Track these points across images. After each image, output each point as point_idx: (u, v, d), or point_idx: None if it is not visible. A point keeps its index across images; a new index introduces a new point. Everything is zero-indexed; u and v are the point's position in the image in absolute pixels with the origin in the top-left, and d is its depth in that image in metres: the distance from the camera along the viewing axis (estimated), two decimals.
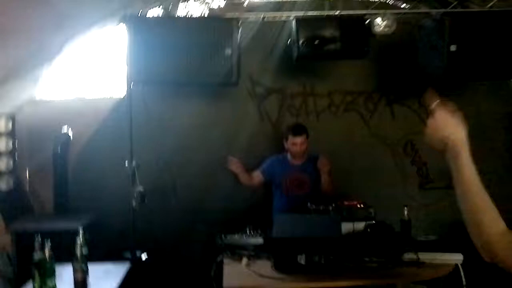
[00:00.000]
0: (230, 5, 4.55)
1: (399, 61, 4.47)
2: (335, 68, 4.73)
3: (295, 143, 4.01)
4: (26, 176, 4.59)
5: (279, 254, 3.02)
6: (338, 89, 4.87)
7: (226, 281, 2.89)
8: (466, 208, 1.30)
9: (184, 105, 4.68)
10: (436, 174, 4.88)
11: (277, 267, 3.00)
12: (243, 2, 4.55)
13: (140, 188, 3.59)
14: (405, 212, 3.49)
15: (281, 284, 2.89)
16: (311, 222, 3.18)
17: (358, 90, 4.88)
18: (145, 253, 3.83)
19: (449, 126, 1.34)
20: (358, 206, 3.71)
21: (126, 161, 3.71)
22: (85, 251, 2.87)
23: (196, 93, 4.58)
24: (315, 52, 3.75)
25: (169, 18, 4.00)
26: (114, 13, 4.24)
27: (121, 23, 3.87)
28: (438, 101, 1.38)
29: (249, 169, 4.37)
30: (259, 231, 3.50)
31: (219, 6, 4.65)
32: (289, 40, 3.96)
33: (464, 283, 2.99)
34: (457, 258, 3.04)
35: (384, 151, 4.90)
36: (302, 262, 2.97)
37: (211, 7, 4.67)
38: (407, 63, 4.24)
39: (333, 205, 3.60)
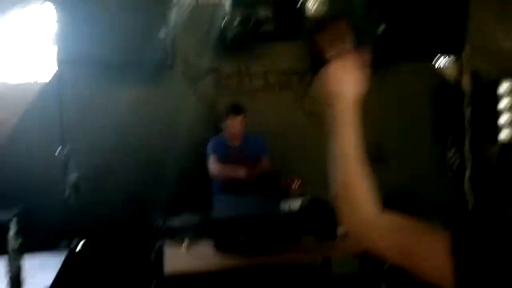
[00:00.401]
0: None
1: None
2: (270, 48, 4.76)
3: (234, 123, 4.02)
4: None
5: (220, 234, 3.06)
6: (273, 69, 4.91)
7: (167, 266, 2.90)
8: (338, 179, 1.08)
9: (117, 88, 4.52)
10: (370, 148, 5.10)
11: (219, 247, 3.05)
12: None
13: (74, 176, 3.48)
14: None
15: (222, 264, 2.94)
16: (250, 203, 3.25)
17: (293, 69, 4.95)
18: (82, 242, 3.73)
19: (344, 82, 1.11)
20: (295, 184, 3.85)
21: (58, 149, 3.56)
22: (18, 243, 2.78)
23: (130, 75, 4.44)
24: (250, 33, 3.76)
25: None
26: None
27: (47, 1, 3.65)
28: (338, 48, 1.13)
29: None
30: (198, 213, 3.52)
31: None
32: (224, 21, 3.94)
33: None
34: None
35: (319, 129, 5.02)
36: (242, 241, 3.04)
37: None
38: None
39: (270, 184, 3.70)
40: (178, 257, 3.03)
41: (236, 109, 4.09)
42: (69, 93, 4.08)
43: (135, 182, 4.52)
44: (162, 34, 3.46)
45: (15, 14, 4.20)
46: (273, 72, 4.92)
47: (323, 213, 3.40)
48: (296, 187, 3.78)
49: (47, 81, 4.45)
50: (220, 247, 3.05)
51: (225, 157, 4.14)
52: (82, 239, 3.75)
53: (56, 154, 3.57)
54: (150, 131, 4.60)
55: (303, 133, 4.92)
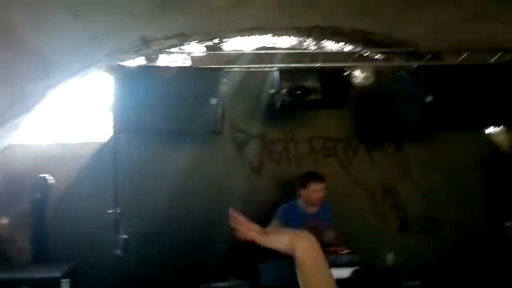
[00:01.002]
0: (211, 55, 4.66)
1: (377, 109, 4.65)
2: (315, 116, 4.87)
3: (317, 190, 3.93)
4: (5, 223, 4.48)
5: None
6: (318, 135, 4.99)
7: None
8: None
9: (167, 152, 4.71)
10: (415, 218, 5.00)
11: None
12: (224, 53, 4.68)
13: (123, 236, 3.55)
14: (389, 258, 3.53)
15: None
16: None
17: (338, 137, 5.02)
18: None
19: (282, 242, 1.36)
20: (341, 252, 3.77)
21: (110, 209, 3.67)
22: None
23: (179, 140, 4.62)
24: (297, 102, 3.88)
25: (154, 67, 4.08)
26: (97, 62, 4.32)
27: (106, 73, 3.92)
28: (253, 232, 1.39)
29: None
30: (244, 280, 3.48)
31: (200, 56, 4.77)
32: (272, 90, 4.08)
33: None
34: None
35: (364, 196, 4.99)
36: None
37: (192, 56, 4.79)
38: (384, 111, 4.41)
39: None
40: None
41: (319, 176, 3.98)
42: (122, 156, 4.23)
43: (182, 246, 4.55)
44: (213, 101, 3.60)
45: (76, 81, 4.52)
46: (318, 138, 5.00)
47: (375, 282, 3.29)
48: (344, 255, 3.71)
49: (102, 142, 4.69)
50: None
51: (299, 224, 3.93)
52: None
53: (108, 213, 3.67)
54: (197, 195, 4.69)
55: (347, 199, 4.89)
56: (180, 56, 4.63)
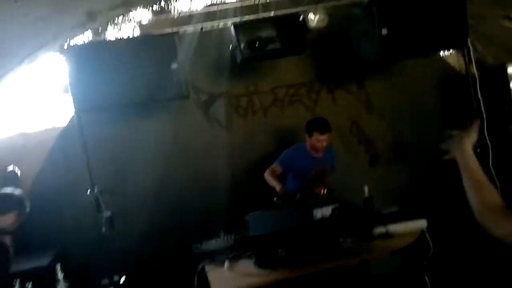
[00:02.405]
0: (160, 20, 4.53)
1: (335, 50, 4.71)
2: (274, 65, 4.86)
3: (321, 140, 4.02)
4: None
5: (260, 251, 3.12)
6: (281, 84, 5.03)
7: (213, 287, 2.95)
8: (478, 194, 1.57)
9: (133, 126, 4.65)
10: (384, 150, 5.20)
11: (260, 264, 3.09)
12: (172, 15, 4.56)
13: (107, 213, 3.55)
14: (366, 190, 3.68)
15: (266, 279, 2.99)
16: (283, 216, 3.29)
17: (299, 82, 5.06)
18: (123, 277, 3.77)
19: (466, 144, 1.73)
20: (322, 191, 3.92)
21: (88, 190, 3.64)
22: (66, 286, 2.86)
23: (144, 111, 4.54)
24: (257, 54, 3.87)
25: (107, 41, 3.94)
26: (46, 44, 4.13)
27: (57, 53, 3.77)
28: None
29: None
30: (233, 233, 3.57)
31: (149, 21, 4.63)
32: (230, 45, 4.04)
33: (431, 246, 3.22)
34: (422, 223, 3.27)
35: (332, 136, 5.10)
36: (283, 254, 3.09)
37: (141, 24, 4.65)
38: (342, 51, 4.47)
39: (298, 195, 3.75)
40: (222, 278, 3.08)
41: (324, 127, 4.03)
42: (91, 137, 4.14)
43: (165, 212, 4.60)
44: (174, 66, 3.54)
45: (25, 68, 4.33)
46: (281, 87, 5.03)
47: (356, 215, 3.45)
48: (324, 194, 3.86)
49: (64, 126, 4.58)
50: (262, 264, 3.10)
51: (307, 166, 4.13)
52: (122, 275, 3.78)
53: (88, 193, 3.64)
54: (170, 162, 4.69)
55: None
56: (129, 26, 4.51)
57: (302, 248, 3.11)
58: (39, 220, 4.32)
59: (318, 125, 4.08)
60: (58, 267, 2.95)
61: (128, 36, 4.30)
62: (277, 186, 3.92)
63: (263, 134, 5.00)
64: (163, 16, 4.50)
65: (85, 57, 3.62)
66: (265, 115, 5.03)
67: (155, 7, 4.54)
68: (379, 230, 3.28)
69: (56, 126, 4.68)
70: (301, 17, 3.95)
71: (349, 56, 4.33)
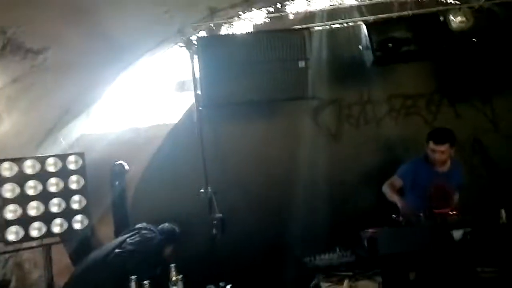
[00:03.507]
0: (275, 19, 4.39)
1: (464, 58, 4.29)
2: (391, 72, 4.55)
3: (435, 151, 3.66)
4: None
5: (388, 272, 2.82)
6: (397, 94, 4.70)
7: None
8: None
9: (241, 125, 4.55)
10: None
11: (387, 286, 2.81)
12: (287, 15, 4.41)
13: (219, 215, 3.42)
14: (503, 214, 3.26)
15: None
16: (416, 234, 2.96)
17: (418, 93, 4.70)
18: (229, 285, 3.59)
19: None
20: (450, 213, 3.53)
21: (202, 189, 3.54)
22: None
23: (254, 110, 4.41)
24: (390, 56, 3.58)
25: (237, 35, 3.82)
26: (168, 38, 4.16)
27: (183, 47, 3.73)
28: None
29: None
30: (350, 249, 3.32)
31: (263, 21, 4.52)
32: (360, 46, 3.79)
33: None
34: None
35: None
36: (413, 278, 2.79)
37: (254, 24, 4.56)
38: (473, 60, 4.07)
39: (421, 214, 3.40)
40: None
41: (441, 138, 3.67)
42: (205, 134, 4.07)
43: (269, 221, 4.43)
44: (301, 64, 3.36)
45: (144, 62, 4.38)
46: (397, 97, 4.71)
47: (496, 242, 3.06)
48: (454, 216, 3.48)
49: (176, 122, 4.58)
50: (388, 287, 2.81)
51: (426, 181, 3.77)
52: (229, 281, 3.61)
53: (201, 193, 3.55)
54: (276, 165, 4.54)
55: None
56: (242, 25, 4.43)
57: (436, 273, 2.78)
58: (143, 216, 4.35)
59: (435, 134, 3.73)
60: (173, 269, 2.89)
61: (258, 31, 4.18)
62: (399, 202, 3.58)
63: (374, 145, 4.70)
64: (278, 16, 4.36)
65: (212, 51, 3.55)
66: (377, 126, 4.72)
67: (273, 8, 4.45)
68: None
69: (167, 123, 4.68)
70: (442, 17, 3.59)
71: (478, 66, 3.90)
